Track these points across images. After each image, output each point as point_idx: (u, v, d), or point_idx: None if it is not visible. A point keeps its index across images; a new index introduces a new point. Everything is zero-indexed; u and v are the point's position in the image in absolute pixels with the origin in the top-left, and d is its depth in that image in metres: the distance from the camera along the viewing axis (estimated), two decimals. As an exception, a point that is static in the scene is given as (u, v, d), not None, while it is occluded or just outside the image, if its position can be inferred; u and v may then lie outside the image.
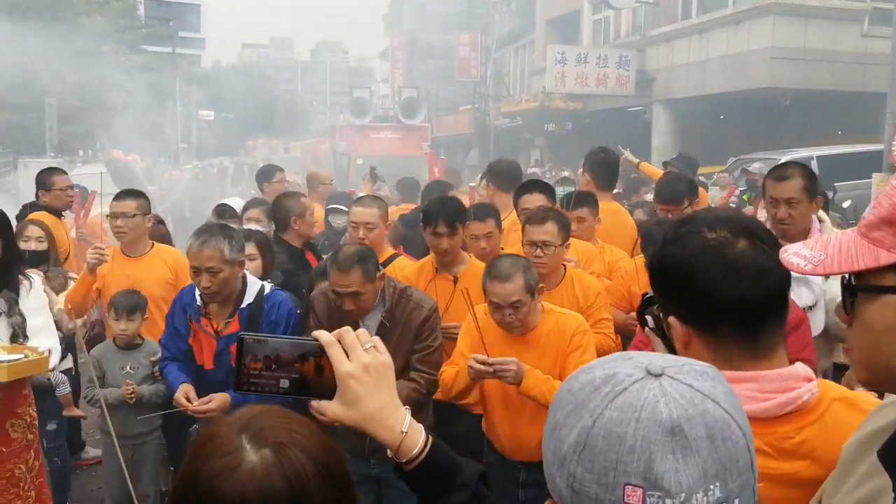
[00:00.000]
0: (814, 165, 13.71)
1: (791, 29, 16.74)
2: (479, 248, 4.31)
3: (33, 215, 5.87)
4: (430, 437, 1.27)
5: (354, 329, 1.31)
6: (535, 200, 4.65)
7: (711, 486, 0.89)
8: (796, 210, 3.41)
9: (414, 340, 3.58)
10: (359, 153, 20.38)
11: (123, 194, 4.83)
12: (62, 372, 4.76)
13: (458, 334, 3.68)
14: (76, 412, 4.95)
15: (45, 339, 3.83)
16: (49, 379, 4.56)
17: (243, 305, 3.68)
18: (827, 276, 1.24)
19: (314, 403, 1.26)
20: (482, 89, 31.13)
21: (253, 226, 5.28)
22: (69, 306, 4.50)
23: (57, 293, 4.81)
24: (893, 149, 10.46)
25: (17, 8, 23.85)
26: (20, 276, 3.84)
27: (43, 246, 4.92)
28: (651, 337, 1.65)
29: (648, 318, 1.64)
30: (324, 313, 3.66)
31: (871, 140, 15.05)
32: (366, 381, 1.24)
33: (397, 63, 40.58)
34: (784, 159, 13.94)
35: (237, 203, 6.35)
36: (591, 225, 4.80)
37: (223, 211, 6.27)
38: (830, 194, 8.80)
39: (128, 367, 4.35)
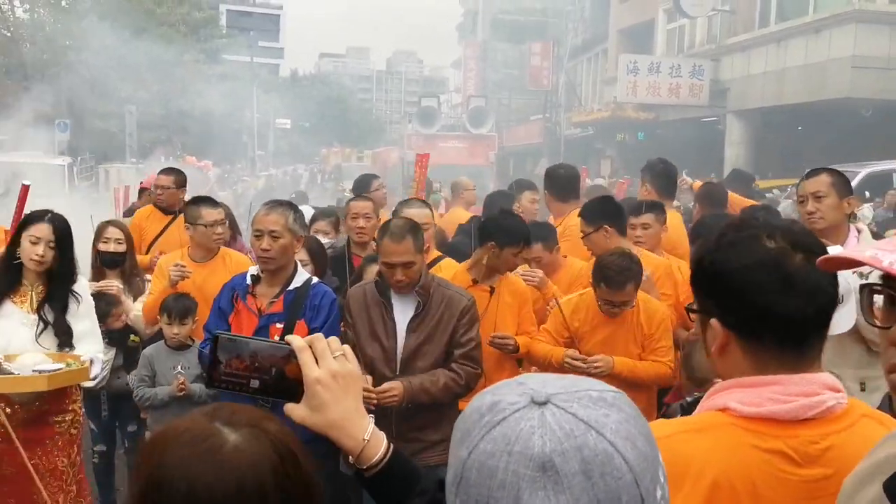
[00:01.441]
0: (895, 179, 13.15)
1: (874, 37, 16.09)
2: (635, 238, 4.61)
3: (139, 214, 6.38)
4: (391, 446, 1.31)
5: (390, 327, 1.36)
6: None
7: None
8: (823, 204, 3.48)
9: (452, 333, 3.55)
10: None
11: (211, 202, 4.95)
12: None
13: (510, 345, 3.97)
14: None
15: (89, 344, 3.91)
16: (128, 384, 4.63)
17: (290, 288, 3.74)
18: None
19: (285, 406, 1.30)
20: (553, 99, 30.94)
21: (320, 238, 5.34)
22: (144, 317, 4.72)
23: (134, 298, 4.91)
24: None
25: (104, 18, 24.80)
26: (69, 293, 3.90)
27: (122, 248, 4.94)
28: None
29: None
30: (358, 308, 3.64)
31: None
32: (332, 388, 1.27)
33: (470, 72, 40.68)
34: (864, 172, 13.50)
35: (306, 212, 6.23)
36: (657, 232, 4.71)
37: None
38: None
39: (178, 367, 4.47)
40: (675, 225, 5.29)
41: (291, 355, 1.28)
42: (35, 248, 3.75)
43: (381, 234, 3.57)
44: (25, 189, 6.49)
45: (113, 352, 4.66)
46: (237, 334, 1.39)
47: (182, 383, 4.36)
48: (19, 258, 3.80)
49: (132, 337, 4.80)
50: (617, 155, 27.12)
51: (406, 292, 3.54)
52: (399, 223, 3.60)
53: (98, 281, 4.88)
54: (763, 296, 1.38)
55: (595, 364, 3.55)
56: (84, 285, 4.09)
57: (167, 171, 6.57)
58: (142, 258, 5.84)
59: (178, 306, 4.48)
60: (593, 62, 31.69)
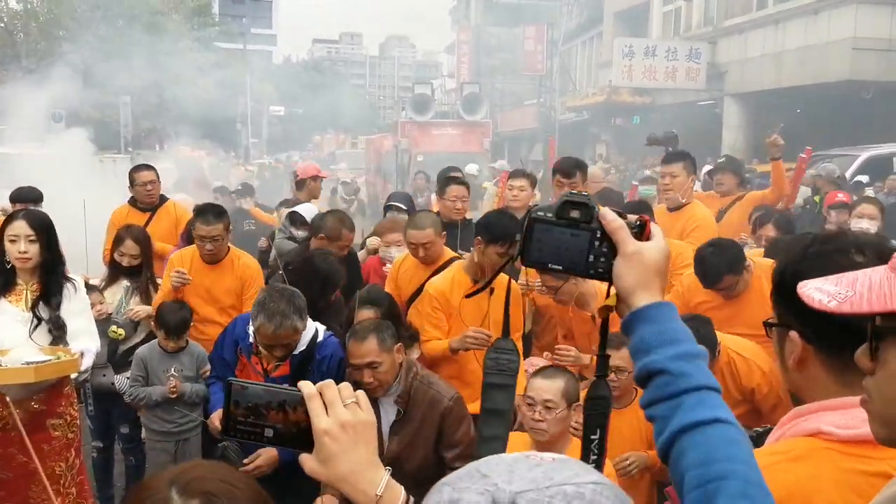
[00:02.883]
0: (895, 163, 13.07)
1: (875, 18, 15.97)
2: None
3: (117, 212, 6.36)
4: (411, 499, 1.23)
5: None
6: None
7: None
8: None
9: (439, 434, 3.43)
10: (419, 150, 20.31)
11: (210, 216, 4.84)
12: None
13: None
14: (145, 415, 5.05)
15: (84, 341, 3.89)
16: (113, 384, 4.71)
17: (296, 352, 3.62)
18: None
19: (300, 456, 1.24)
20: (548, 83, 30.76)
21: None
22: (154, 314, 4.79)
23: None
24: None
25: (97, 8, 24.55)
26: (63, 280, 3.90)
27: (136, 262, 5.00)
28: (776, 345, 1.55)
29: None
30: None
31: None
32: (341, 440, 1.19)
33: (463, 57, 40.42)
34: (864, 156, 13.42)
35: (308, 210, 6.25)
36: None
37: (294, 219, 6.26)
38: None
39: (172, 370, 4.51)
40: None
41: (303, 403, 1.22)
42: (16, 246, 3.76)
43: (348, 335, 3.49)
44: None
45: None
46: (249, 381, 1.28)
47: (174, 386, 4.42)
48: (10, 260, 3.80)
49: (114, 329, 4.81)
50: (612, 139, 27.02)
51: (379, 395, 3.38)
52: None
53: (110, 285, 5.00)
54: None
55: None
56: (80, 281, 4.06)
57: (147, 166, 6.55)
58: (158, 247, 5.87)
59: (175, 322, 4.51)
60: (587, 46, 31.51)
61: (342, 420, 1.19)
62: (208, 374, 4.55)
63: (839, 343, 1.34)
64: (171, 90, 25.25)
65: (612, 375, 3.70)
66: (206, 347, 4.60)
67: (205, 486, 1.11)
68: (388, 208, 6.51)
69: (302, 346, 3.62)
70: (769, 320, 1.50)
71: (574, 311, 4.28)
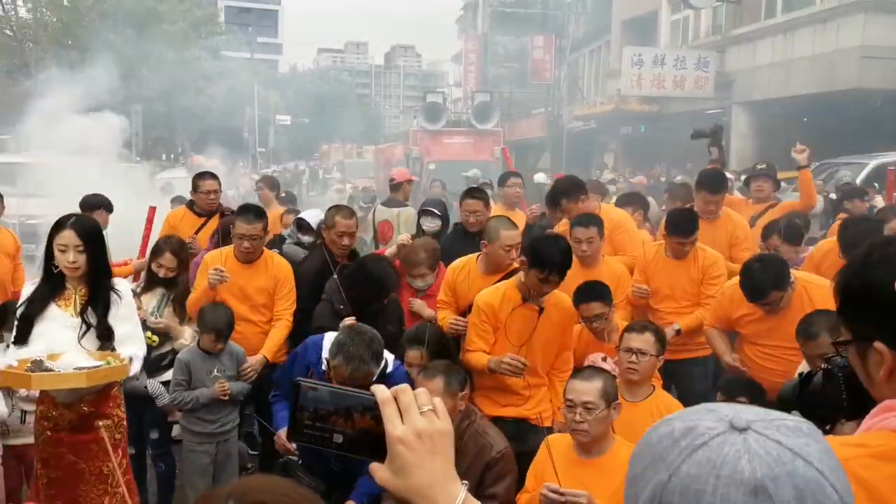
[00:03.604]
0: (906, 170, 13.13)
1: (884, 27, 16.00)
2: (581, 251, 4.83)
3: (173, 214, 6.73)
4: None
5: None
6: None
7: None
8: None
9: (479, 483, 3.41)
10: (431, 158, 20.43)
11: (251, 215, 5.05)
12: (162, 383, 4.93)
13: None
14: (177, 417, 5.10)
15: (130, 347, 3.95)
16: (146, 387, 4.82)
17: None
18: None
19: (370, 465, 1.17)
20: (556, 92, 30.88)
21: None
22: (190, 311, 5.03)
23: (181, 321, 5.11)
24: None
25: (107, 17, 24.72)
26: (110, 286, 3.94)
27: (172, 274, 5.15)
28: None
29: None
30: None
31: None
32: (416, 449, 1.12)
33: (470, 66, 40.56)
34: (873, 164, 13.49)
35: (314, 216, 6.41)
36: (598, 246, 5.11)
37: (300, 225, 6.52)
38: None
39: (214, 371, 4.62)
40: None
41: (377, 407, 1.16)
42: (65, 256, 3.79)
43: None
44: (153, 211, 7.02)
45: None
46: (320, 382, 1.23)
47: (224, 387, 4.53)
48: (58, 266, 3.85)
49: (148, 334, 4.89)
50: (620, 148, 27.09)
51: None
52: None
53: (147, 291, 5.15)
54: None
55: (577, 499, 3.07)
56: (126, 287, 4.12)
57: (212, 175, 6.80)
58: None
59: (224, 324, 4.61)
60: (595, 55, 31.62)
61: (418, 428, 1.12)
62: (248, 372, 4.72)
63: None
64: (179, 99, 25.43)
65: (633, 357, 3.83)
66: (239, 345, 4.81)
67: (262, 498, 1.09)
68: (422, 213, 6.59)
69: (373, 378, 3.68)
70: (841, 339, 1.46)
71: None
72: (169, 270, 5.12)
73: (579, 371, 3.49)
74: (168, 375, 4.91)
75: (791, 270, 4.25)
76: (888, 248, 1.40)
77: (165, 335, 5.07)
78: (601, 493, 3.10)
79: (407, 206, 8.00)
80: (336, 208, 5.52)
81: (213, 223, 6.54)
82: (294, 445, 3.76)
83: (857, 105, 16.28)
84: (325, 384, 1.20)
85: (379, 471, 1.14)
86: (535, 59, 31.98)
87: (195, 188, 6.60)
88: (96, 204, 6.67)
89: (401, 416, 1.13)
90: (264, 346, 5.00)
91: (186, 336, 4.98)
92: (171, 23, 27.91)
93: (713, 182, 5.70)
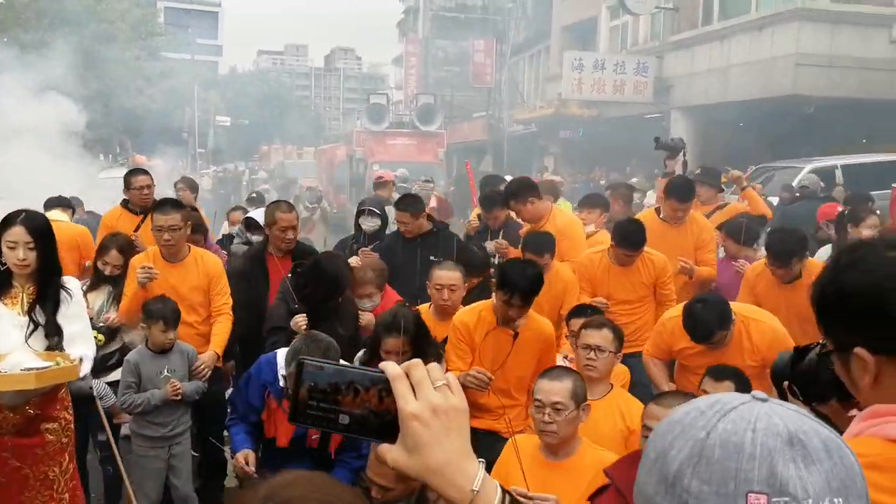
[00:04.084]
0: (838, 175, 13.58)
1: (817, 35, 16.52)
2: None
3: (109, 214, 6.53)
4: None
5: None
6: None
7: (836, 500, 0.88)
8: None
9: None
10: (375, 159, 20.37)
11: (168, 206, 4.95)
12: (109, 384, 4.80)
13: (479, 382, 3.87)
14: (126, 419, 4.94)
15: (80, 346, 3.83)
16: (91, 388, 4.60)
17: None
18: None
19: (377, 447, 1.11)
20: (497, 96, 31.08)
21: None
22: (122, 319, 4.88)
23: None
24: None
25: (44, 16, 23.99)
26: (59, 284, 3.82)
27: (119, 271, 5.05)
28: None
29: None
30: None
31: (896, 149, 14.88)
32: (432, 426, 1.05)
33: (411, 69, 40.62)
34: (808, 167, 13.90)
35: (262, 215, 6.34)
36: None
37: (249, 224, 6.64)
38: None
39: (164, 371, 4.50)
40: None
41: (386, 385, 1.09)
42: (15, 253, 3.66)
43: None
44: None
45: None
46: (325, 360, 1.15)
47: (176, 388, 4.41)
48: (5, 262, 3.71)
49: (95, 333, 4.70)
50: (560, 152, 27.39)
51: None
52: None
53: (92, 290, 5.04)
54: None
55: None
56: (76, 285, 4.00)
57: (143, 171, 6.67)
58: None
59: (171, 312, 4.50)
60: (535, 59, 31.94)
61: (433, 403, 1.06)
62: (200, 370, 4.61)
63: None
64: (118, 99, 24.82)
65: (592, 354, 3.79)
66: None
67: (304, 497, 1.02)
68: (360, 213, 6.57)
69: None
70: (825, 349, 1.43)
71: None
72: (115, 268, 5.01)
73: (548, 371, 3.42)
74: (115, 375, 4.76)
75: (731, 304, 4.26)
76: (856, 251, 1.40)
77: (112, 334, 4.94)
78: (568, 496, 3.02)
79: (390, 203, 8.25)
80: (275, 204, 5.51)
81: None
82: (253, 468, 3.68)
83: (792, 111, 16.78)
84: (330, 363, 1.13)
85: (390, 451, 1.07)
86: (476, 63, 32.18)
87: (128, 185, 6.45)
88: (57, 203, 6.69)
89: (413, 392, 1.07)
90: (212, 341, 4.89)
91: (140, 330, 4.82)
92: (110, 22, 27.23)
93: (682, 191, 5.81)
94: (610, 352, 3.84)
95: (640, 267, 5.21)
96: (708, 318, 4.01)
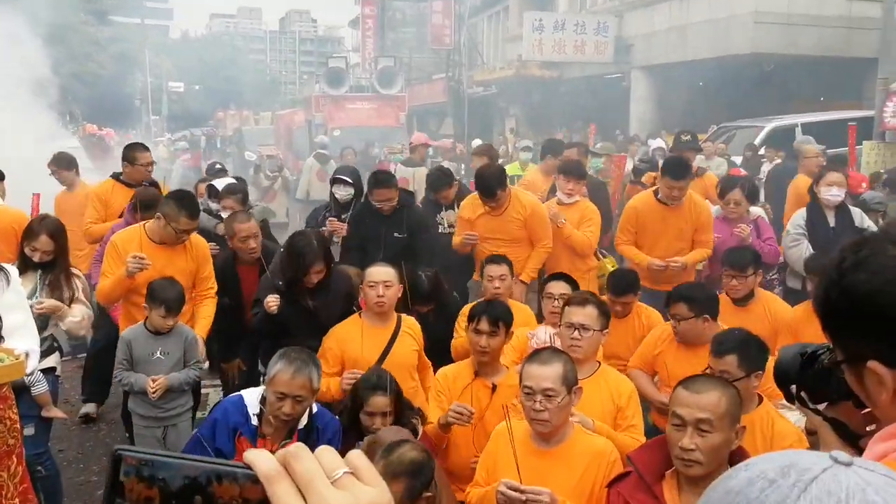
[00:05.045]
0: (798, 133, 13.69)
1: (776, -7, 16.56)
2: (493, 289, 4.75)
3: (103, 186, 6.45)
4: None
5: None
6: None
7: None
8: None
9: None
10: (335, 124, 20.06)
11: (194, 211, 4.81)
12: (43, 371, 4.41)
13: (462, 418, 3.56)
14: (56, 413, 4.52)
15: (22, 339, 3.61)
16: (24, 379, 4.15)
17: (300, 427, 3.49)
18: None
19: None
20: (456, 58, 30.74)
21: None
22: (102, 300, 4.76)
23: (64, 302, 4.61)
24: (885, 116, 10.43)
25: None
26: None
27: (49, 258, 4.62)
28: (810, 418, 1.47)
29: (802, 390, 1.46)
30: None
31: (855, 106, 15.05)
32: None
33: (368, 32, 39.94)
34: (769, 126, 13.99)
35: (224, 184, 6.61)
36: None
37: (212, 192, 6.65)
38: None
39: (157, 353, 4.37)
40: None
41: (253, 488, 0.71)
42: None
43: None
44: (37, 199, 6.95)
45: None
46: (155, 451, 0.74)
47: (153, 387, 4.28)
48: None
49: None
50: (521, 113, 27.28)
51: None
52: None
53: (20, 277, 4.49)
54: None
55: (538, 497, 2.82)
56: (14, 270, 3.80)
57: (145, 146, 6.75)
58: (100, 227, 6.05)
59: (174, 296, 4.38)
60: (494, 20, 31.62)
61: None
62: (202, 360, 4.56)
63: None
64: (66, 65, 24.07)
65: (576, 333, 3.65)
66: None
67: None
68: (334, 182, 6.43)
69: (304, 420, 3.51)
70: (835, 359, 1.29)
71: None
72: (45, 254, 4.58)
73: (537, 354, 3.19)
74: (47, 362, 4.45)
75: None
76: (861, 250, 1.22)
77: (45, 320, 4.52)
78: (561, 484, 2.92)
79: (422, 167, 8.93)
80: (231, 217, 5.43)
81: None
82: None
83: (751, 69, 16.85)
84: (163, 453, 0.73)
85: None
86: (434, 25, 31.64)
87: (132, 161, 6.36)
88: None
89: (302, 497, 0.70)
90: (196, 326, 4.78)
91: (76, 313, 4.54)
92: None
93: (676, 167, 5.75)
94: (595, 330, 3.69)
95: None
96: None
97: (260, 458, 0.71)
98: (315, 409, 3.57)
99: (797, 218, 6.16)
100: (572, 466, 3.01)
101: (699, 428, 2.55)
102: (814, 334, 4.41)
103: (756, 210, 6.39)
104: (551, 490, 2.87)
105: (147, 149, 6.69)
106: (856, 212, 6.18)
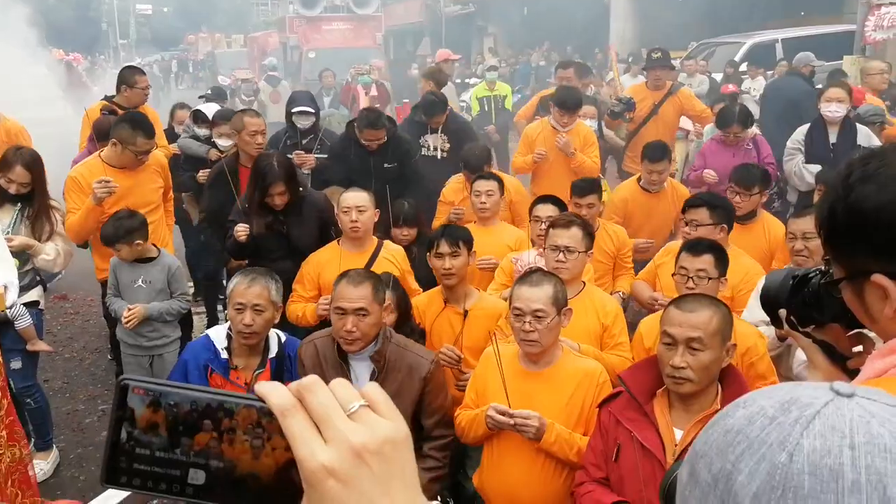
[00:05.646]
0: (778, 49, 13.57)
1: None
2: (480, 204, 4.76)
3: (93, 111, 6.23)
4: None
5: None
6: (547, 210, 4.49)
7: None
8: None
9: (418, 402, 3.23)
10: (310, 46, 19.60)
11: (147, 129, 4.78)
12: (26, 304, 4.38)
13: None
14: (41, 346, 4.48)
15: (1, 272, 3.55)
16: (5, 311, 4.16)
17: (272, 356, 3.49)
18: None
19: None
20: (432, -26, 29.93)
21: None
22: (73, 238, 4.63)
23: (40, 239, 4.48)
24: (866, 30, 10.32)
25: None
26: None
27: (25, 190, 4.47)
28: (799, 341, 1.44)
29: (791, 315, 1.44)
30: (312, 366, 3.30)
31: (835, 21, 14.88)
32: (360, 480, 0.67)
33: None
34: (749, 42, 13.84)
35: (210, 109, 6.60)
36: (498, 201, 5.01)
37: (197, 118, 6.64)
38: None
39: (139, 281, 4.35)
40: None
41: (268, 421, 0.69)
42: None
43: (338, 279, 3.29)
44: None
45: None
46: (162, 381, 0.71)
47: (127, 317, 4.28)
48: None
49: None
50: (500, 33, 26.76)
51: (354, 350, 3.19)
52: (359, 270, 3.38)
53: None
54: None
55: (527, 421, 2.88)
56: None
57: (142, 70, 6.77)
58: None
59: (126, 231, 4.32)
60: (471, -65, 30.69)
61: (354, 445, 0.67)
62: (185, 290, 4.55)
63: None
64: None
65: (561, 256, 3.66)
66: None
67: None
68: (295, 114, 6.30)
69: (274, 348, 3.51)
70: (834, 278, 1.28)
71: None
72: (21, 186, 4.43)
73: (527, 276, 3.18)
74: (30, 296, 4.42)
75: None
76: (868, 163, 1.20)
77: (23, 255, 4.44)
78: (550, 406, 2.96)
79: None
80: (242, 112, 5.57)
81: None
82: None
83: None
84: (171, 383, 0.71)
85: None
86: (410, -60, 30.74)
87: (130, 84, 6.38)
88: None
89: (318, 431, 0.68)
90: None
91: (48, 251, 4.43)
92: None
93: (654, 152, 5.59)
94: (580, 252, 3.69)
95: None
96: None
97: (274, 392, 0.69)
98: (284, 337, 3.59)
99: (798, 133, 6.18)
100: (561, 388, 3.03)
101: (690, 346, 2.58)
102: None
103: (752, 129, 6.32)
104: (540, 412, 2.91)
105: (142, 71, 6.68)
106: (863, 130, 6.09)
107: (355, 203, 4.21)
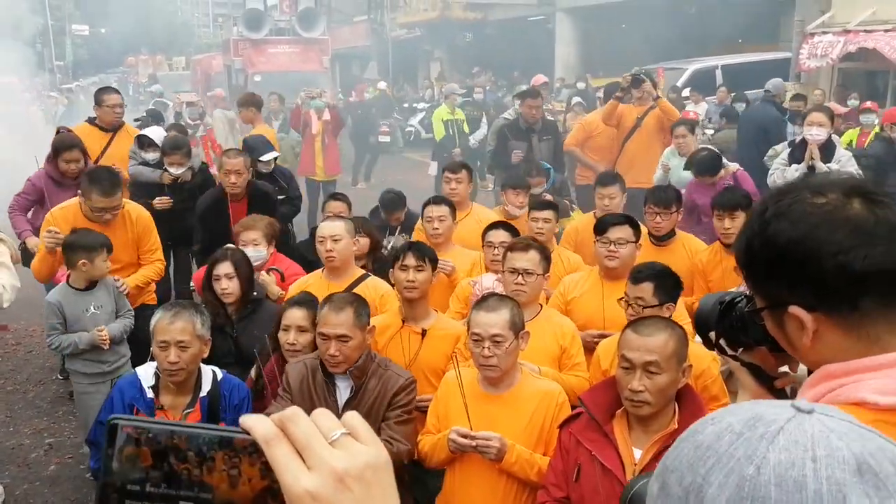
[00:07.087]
0: (718, 75, 13.98)
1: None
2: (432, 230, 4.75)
3: (79, 130, 6.46)
4: None
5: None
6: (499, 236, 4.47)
7: None
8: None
9: (387, 408, 3.26)
10: (256, 69, 19.45)
11: (107, 185, 4.67)
12: None
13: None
14: None
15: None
16: None
17: (203, 394, 3.37)
18: None
19: None
20: (378, -1, 30.12)
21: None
22: (37, 277, 4.71)
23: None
24: (801, 58, 10.72)
25: None
26: None
27: None
28: (734, 368, 1.49)
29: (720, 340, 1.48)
30: (298, 383, 3.28)
31: (772, 48, 15.40)
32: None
33: (285, -29, 38.62)
34: (691, 68, 14.22)
35: (156, 133, 6.62)
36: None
37: (143, 143, 6.50)
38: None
39: (91, 308, 4.31)
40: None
41: (252, 451, 0.74)
42: None
43: (322, 303, 3.33)
44: None
45: None
46: (151, 419, 0.82)
47: (102, 335, 4.23)
48: None
49: None
50: (446, 57, 27.02)
51: (340, 371, 3.24)
52: (342, 295, 3.40)
53: None
54: (840, 254, 1.16)
55: (488, 443, 2.92)
56: None
57: (115, 89, 7.11)
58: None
59: (84, 243, 4.26)
60: (415, -41, 30.96)
61: (336, 469, 0.71)
62: (122, 289, 4.54)
63: (848, 298, 1.19)
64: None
65: (519, 278, 3.71)
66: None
67: None
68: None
69: (206, 386, 3.39)
70: (755, 307, 1.32)
71: None
72: None
73: (484, 301, 3.20)
74: None
75: None
76: (782, 199, 1.25)
77: None
78: (511, 428, 2.99)
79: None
80: (225, 152, 5.83)
81: (121, 138, 6.74)
82: None
83: (674, 12, 17.01)
84: (159, 421, 0.77)
85: None
86: (354, -37, 30.89)
87: (99, 103, 6.70)
88: None
89: (301, 458, 0.73)
90: (132, 276, 4.81)
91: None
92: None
93: (605, 176, 5.68)
94: (538, 274, 3.75)
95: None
96: None
97: (258, 423, 0.73)
98: (220, 375, 3.48)
99: (782, 155, 6.58)
100: (521, 410, 3.07)
101: (647, 370, 2.62)
102: (720, 276, 4.59)
103: (732, 165, 6.32)
104: (502, 434, 2.94)
105: (116, 91, 7.01)
106: (843, 154, 6.39)
107: (330, 233, 4.18)
